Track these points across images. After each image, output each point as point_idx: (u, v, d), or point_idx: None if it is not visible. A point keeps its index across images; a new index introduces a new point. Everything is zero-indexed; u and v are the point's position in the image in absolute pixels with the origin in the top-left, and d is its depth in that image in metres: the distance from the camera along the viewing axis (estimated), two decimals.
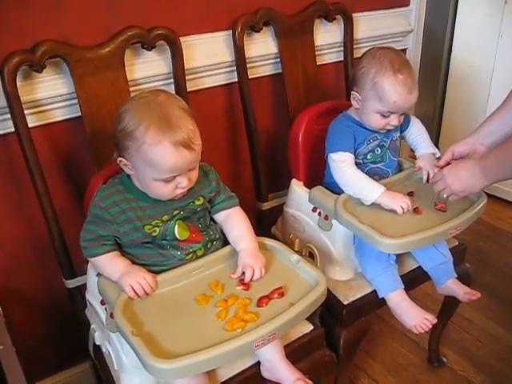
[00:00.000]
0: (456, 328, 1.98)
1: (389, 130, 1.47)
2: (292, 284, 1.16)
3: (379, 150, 1.48)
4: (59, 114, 1.37)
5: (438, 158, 1.48)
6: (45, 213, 1.32)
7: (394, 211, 1.36)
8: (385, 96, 1.38)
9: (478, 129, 1.41)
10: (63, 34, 1.30)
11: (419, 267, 1.52)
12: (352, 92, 1.46)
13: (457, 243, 1.62)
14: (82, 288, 1.37)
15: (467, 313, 2.02)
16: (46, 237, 1.36)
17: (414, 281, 1.53)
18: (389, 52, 1.43)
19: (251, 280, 1.16)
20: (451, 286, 1.48)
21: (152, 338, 1.01)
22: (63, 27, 1.30)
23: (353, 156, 1.44)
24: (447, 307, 1.73)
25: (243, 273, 1.17)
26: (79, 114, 1.33)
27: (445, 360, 1.87)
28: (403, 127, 1.55)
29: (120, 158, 1.13)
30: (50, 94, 1.32)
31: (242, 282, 1.17)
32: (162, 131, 1.06)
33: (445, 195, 1.33)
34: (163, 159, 1.07)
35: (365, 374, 1.82)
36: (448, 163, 1.40)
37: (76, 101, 1.32)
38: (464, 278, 1.54)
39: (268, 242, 1.28)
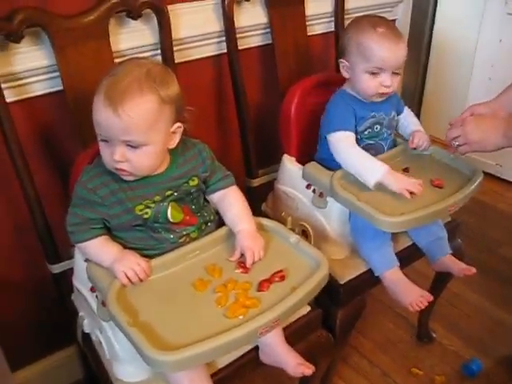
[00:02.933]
0: (444, 303, 1.96)
1: (386, 99, 1.43)
2: (292, 266, 1.12)
3: (378, 128, 1.44)
4: (39, 88, 1.28)
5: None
6: (26, 193, 1.24)
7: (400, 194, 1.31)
8: (369, 52, 1.35)
9: (498, 96, 1.40)
10: (43, 0, 1.20)
11: (413, 244, 1.50)
12: (340, 61, 1.43)
13: (449, 219, 1.59)
14: (68, 272, 1.30)
15: (455, 287, 2.01)
16: (28, 219, 1.28)
17: (409, 258, 1.50)
18: (368, 16, 1.45)
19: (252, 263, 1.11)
20: (446, 262, 1.47)
21: (149, 328, 0.95)
22: None
23: (353, 135, 1.39)
24: (438, 283, 1.72)
25: (242, 255, 1.12)
26: (61, 87, 1.24)
27: (434, 335, 1.86)
28: (399, 109, 1.52)
29: None
30: (29, 67, 1.23)
31: (240, 264, 1.12)
32: (106, 86, 1.01)
33: (456, 143, 1.31)
34: (94, 111, 1.03)
35: (356, 351, 1.80)
36: None
37: (57, 73, 1.23)
38: (457, 254, 1.52)
39: (265, 222, 1.23)
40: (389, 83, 1.38)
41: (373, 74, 1.37)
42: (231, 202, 1.21)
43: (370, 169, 1.33)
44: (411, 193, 1.30)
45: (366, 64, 1.36)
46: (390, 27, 1.36)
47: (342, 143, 1.38)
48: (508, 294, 2.03)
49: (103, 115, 1.01)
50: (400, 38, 1.36)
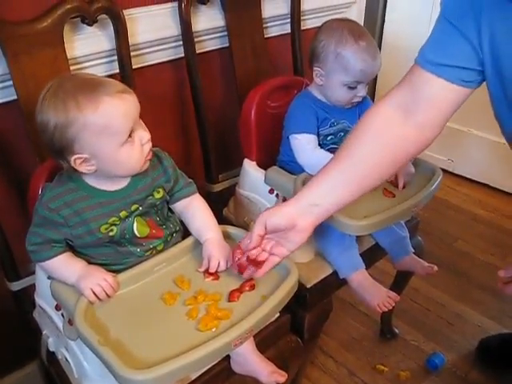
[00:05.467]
0: (404, 298, 1.99)
1: (354, 106, 1.43)
2: None
3: (342, 135, 1.44)
4: None
5: None
6: None
7: None
8: (350, 65, 1.33)
9: (302, 193, 1.05)
10: None
11: (376, 244, 1.51)
12: (314, 68, 1.40)
13: (409, 217, 1.61)
14: (29, 288, 1.25)
15: (413, 282, 2.02)
16: None
17: (372, 258, 1.52)
18: (346, 22, 1.39)
19: (217, 271, 1.10)
20: (409, 261, 1.49)
21: (121, 346, 0.93)
22: None
23: (316, 137, 1.39)
24: (400, 281, 1.75)
25: None
26: (15, 97, 1.19)
27: (397, 331, 1.89)
28: None
29: (74, 157, 0.99)
30: None
31: (209, 273, 1.10)
32: (93, 93, 0.95)
33: None
34: (113, 115, 0.96)
35: (321, 351, 1.80)
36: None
37: (11, 82, 1.18)
38: (417, 251, 1.55)
39: (231, 230, 1.21)
40: (363, 94, 1.39)
41: (350, 87, 1.36)
42: (195, 210, 1.18)
43: None
44: None
45: (345, 77, 1.34)
46: (370, 40, 1.34)
47: (304, 146, 1.37)
48: (465, 287, 2.08)
49: (126, 104, 0.98)
50: (378, 51, 1.36)
